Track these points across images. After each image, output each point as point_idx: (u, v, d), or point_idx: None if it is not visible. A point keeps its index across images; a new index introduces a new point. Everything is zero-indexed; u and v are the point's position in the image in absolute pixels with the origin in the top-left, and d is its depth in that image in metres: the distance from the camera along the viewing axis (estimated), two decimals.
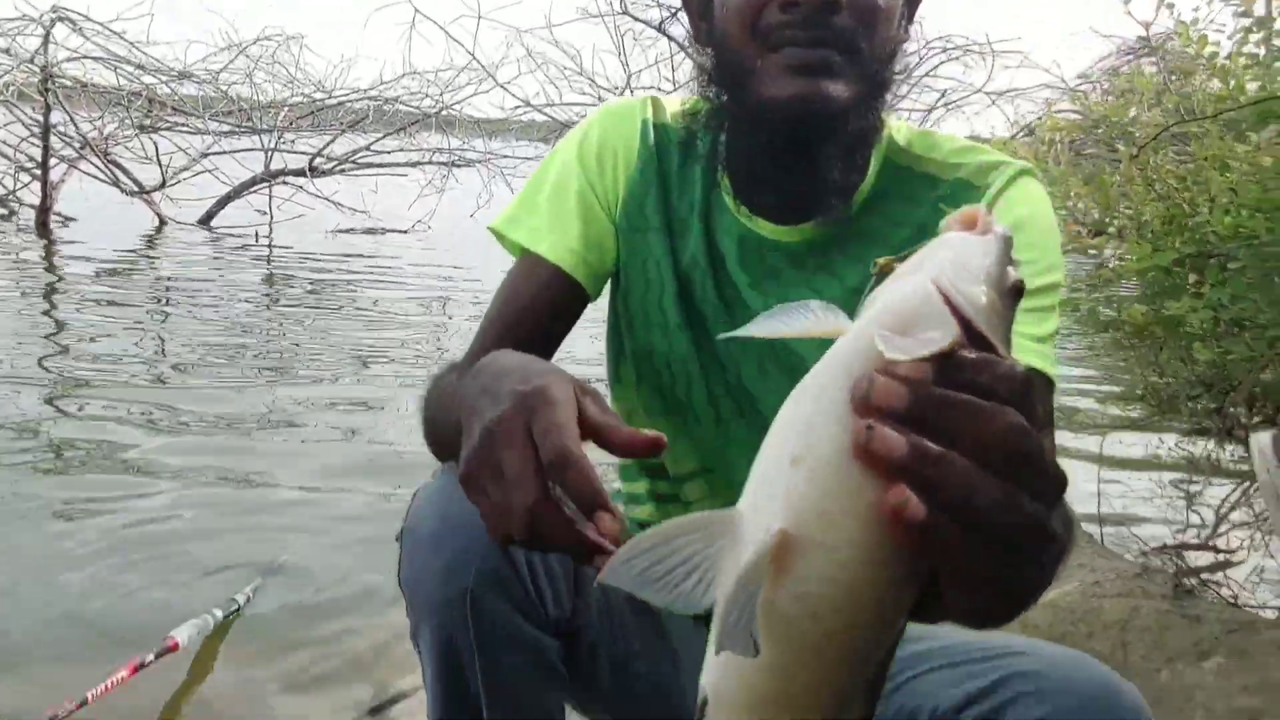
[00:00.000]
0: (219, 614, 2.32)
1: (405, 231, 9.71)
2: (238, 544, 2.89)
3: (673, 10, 6.87)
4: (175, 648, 2.12)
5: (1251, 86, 2.30)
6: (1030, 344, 1.05)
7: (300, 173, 9.15)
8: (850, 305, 1.13)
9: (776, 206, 1.14)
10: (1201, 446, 2.91)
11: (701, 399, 1.22)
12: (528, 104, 6.68)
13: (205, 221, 9.35)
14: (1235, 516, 3.05)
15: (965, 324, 0.48)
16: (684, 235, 1.19)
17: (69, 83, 8.64)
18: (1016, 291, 0.53)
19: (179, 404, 4.12)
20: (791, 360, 1.17)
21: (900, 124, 1.19)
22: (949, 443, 0.46)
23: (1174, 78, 2.95)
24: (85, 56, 8.69)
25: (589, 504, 0.66)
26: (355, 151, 9.44)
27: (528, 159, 9.16)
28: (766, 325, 0.54)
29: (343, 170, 9.45)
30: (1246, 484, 2.81)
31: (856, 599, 0.49)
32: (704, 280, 1.18)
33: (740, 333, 0.56)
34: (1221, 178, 2.12)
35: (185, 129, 9.15)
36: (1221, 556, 3.23)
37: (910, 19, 1.13)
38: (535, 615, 1.09)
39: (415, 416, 1.18)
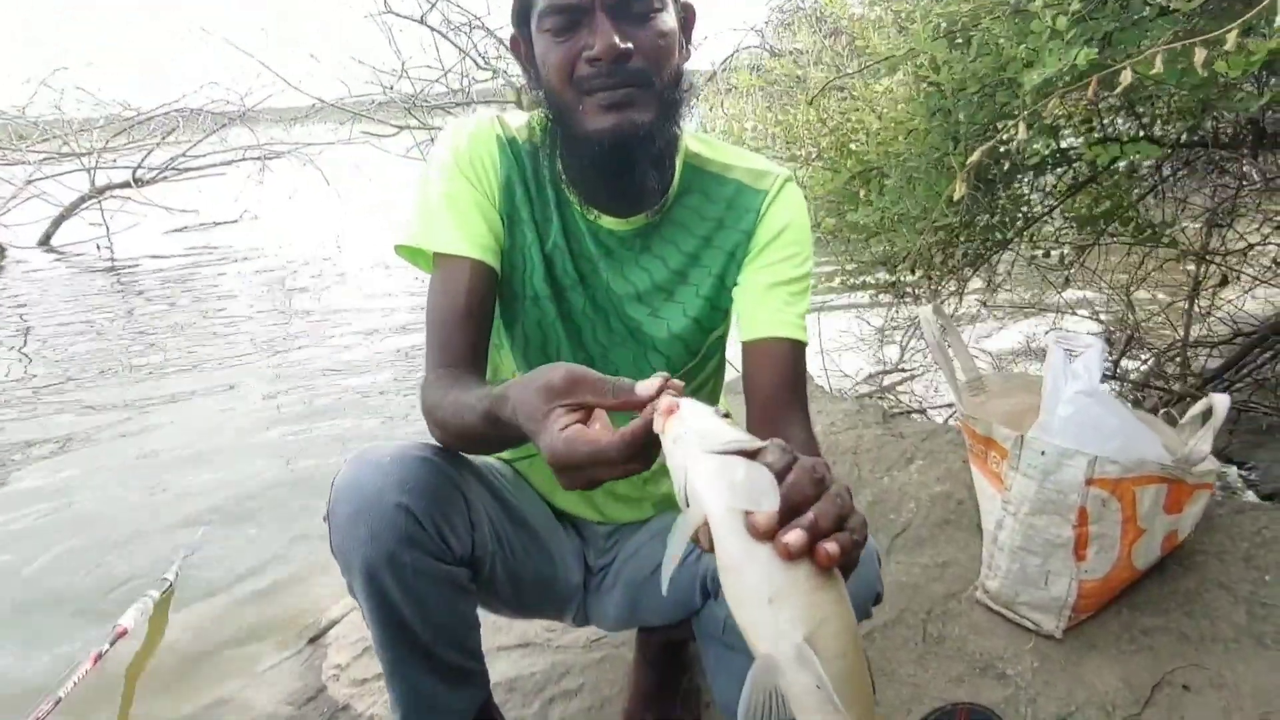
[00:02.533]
0: (155, 594, 2.20)
1: (234, 222, 8.91)
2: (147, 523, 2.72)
3: (432, 3, 6.50)
4: (124, 633, 2.00)
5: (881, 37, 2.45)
6: (794, 320, 1.18)
7: (125, 184, 8.13)
8: (671, 280, 1.22)
9: (611, 205, 1.18)
10: (883, 305, 3.16)
11: (567, 355, 1.26)
12: (321, 100, 6.19)
13: (44, 242, 8.20)
14: (913, 345, 3.35)
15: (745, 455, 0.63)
16: (546, 226, 1.20)
17: None
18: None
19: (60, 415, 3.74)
20: (628, 324, 1.24)
21: (688, 134, 1.24)
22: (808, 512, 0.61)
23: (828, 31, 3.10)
24: None
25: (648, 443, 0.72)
26: (173, 159, 8.48)
27: (330, 143, 8.56)
28: (671, 550, 0.65)
29: (165, 178, 8.48)
30: (914, 328, 3.09)
31: (851, 622, 0.61)
32: (564, 261, 1.20)
33: (665, 572, 0.67)
34: (871, 115, 2.28)
35: (3, 162, 7.97)
36: (908, 373, 3.60)
37: (689, 39, 1.16)
38: (445, 556, 1.13)
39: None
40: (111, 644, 1.93)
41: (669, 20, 1.10)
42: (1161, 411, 1.62)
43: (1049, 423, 1.51)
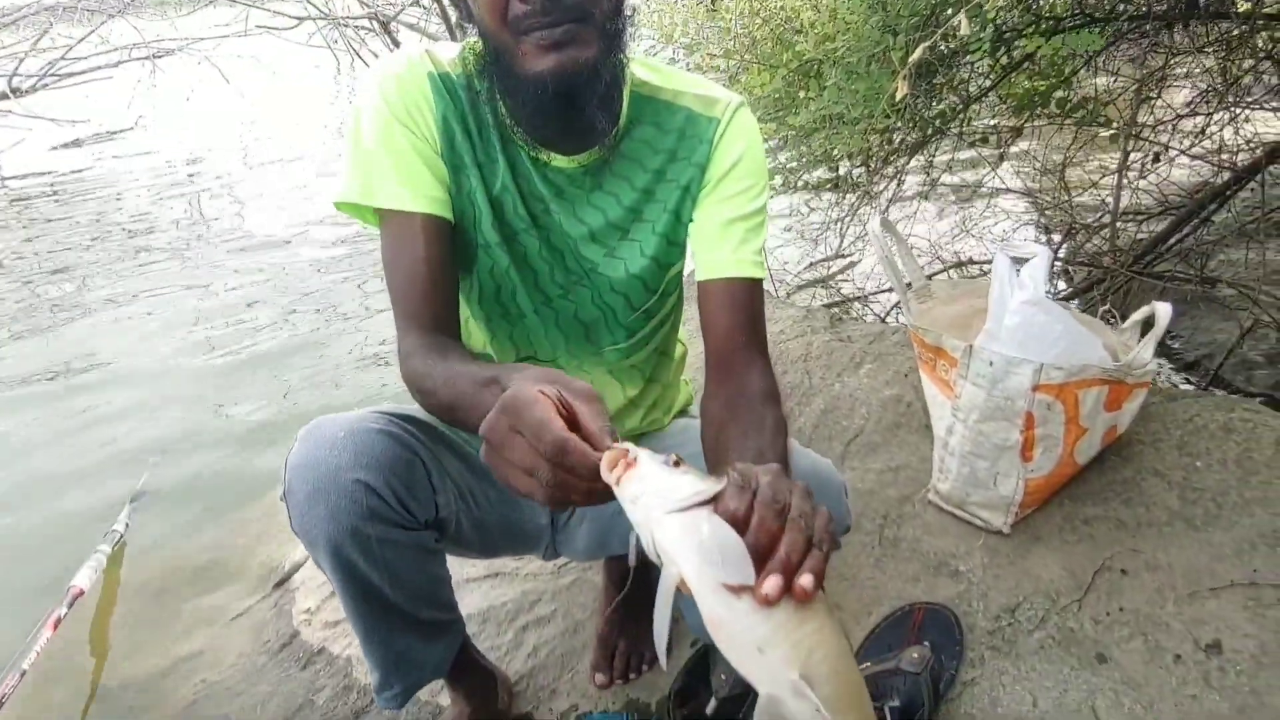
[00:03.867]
0: (106, 548, 2.15)
1: (130, 129, 8.25)
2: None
3: None
4: (81, 593, 1.97)
5: None
6: (751, 257, 1.15)
7: (2, 96, 7.44)
8: (626, 218, 1.18)
9: (558, 143, 1.12)
10: (820, 195, 3.14)
11: (524, 300, 1.22)
12: None
13: None
14: (851, 232, 3.35)
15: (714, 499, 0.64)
16: (492, 168, 1.14)
17: None
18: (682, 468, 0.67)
19: None
20: (583, 265, 1.20)
21: (635, 60, 1.17)
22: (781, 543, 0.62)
23: None
24: None
25: (592, 472, 0.68)
26: (51, 63, 7.75)
27: (224, 37, 7.90)
28: (659, 623, 0.65)
29: (46, 85, 7.78)
30: (853, 215, 3.09)
31: (839, 641, 0.62)
32: (515, 203, 1.15)
33: (660, 642, 0.65)
34: (808, 6, 2.19)
35: None
36: (849, 259, 3.63)
37: None
38: (410, 524, 1.13)
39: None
40: (69, 607, 1.90)
41: None
42: (1102, 310, 1.66)
43: (996, 331, 1.53)
